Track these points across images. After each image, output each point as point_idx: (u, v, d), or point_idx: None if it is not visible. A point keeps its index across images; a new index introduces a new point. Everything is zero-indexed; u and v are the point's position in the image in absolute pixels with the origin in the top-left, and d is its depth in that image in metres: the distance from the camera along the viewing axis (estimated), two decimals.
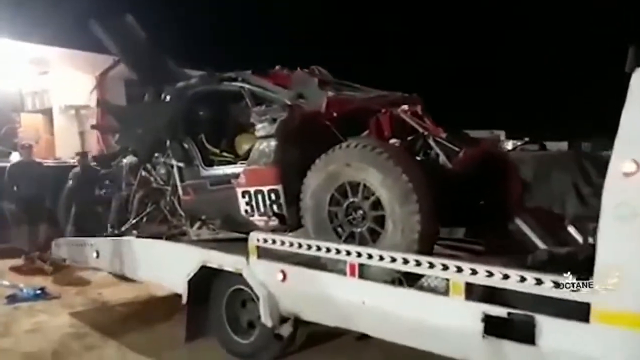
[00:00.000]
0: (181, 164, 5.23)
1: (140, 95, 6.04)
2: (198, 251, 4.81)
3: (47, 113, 12.80)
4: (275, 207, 4.32)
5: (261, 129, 4.34)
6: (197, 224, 5.31)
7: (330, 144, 4.19)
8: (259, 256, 4.28)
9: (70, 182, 8.38)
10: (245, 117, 5.28)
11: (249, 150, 4.84)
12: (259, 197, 4.36)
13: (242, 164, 4.69)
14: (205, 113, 5.35)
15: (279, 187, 4.26)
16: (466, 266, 3.18)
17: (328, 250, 3.79)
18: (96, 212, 8.44)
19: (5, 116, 12.26)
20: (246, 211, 4.48)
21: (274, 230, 4.39)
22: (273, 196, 4.30)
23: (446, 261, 3.26)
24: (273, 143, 4.25)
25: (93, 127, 7.66)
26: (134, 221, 6.13)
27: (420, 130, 4.44)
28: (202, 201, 4.92)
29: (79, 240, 6.44)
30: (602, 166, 3.96)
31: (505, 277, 3.03)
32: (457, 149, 4.28)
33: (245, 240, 4.82)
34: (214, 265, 4.61)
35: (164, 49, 6.02)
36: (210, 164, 5.02)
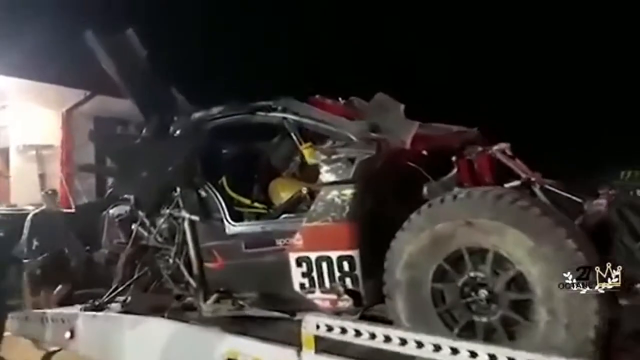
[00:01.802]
0: (195, 217, 3.97)
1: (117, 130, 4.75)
2: (220, 337, 3.51)
3: (3, 153, 11.26)
4: (348, 280, 3.09)
5: (331, 172, 3.15)
6: (214, 297, 4.01)
7: (416, 193, 3.09)
8: (318, 350, 3.02)
9: None
10: (280, 158, 4.15)
11: (291, 201, 3.66)
12: (324, 266, 3.12)
13: (287, 218, 3.50)
14: (228, 152, 4.15)
15: (354, 254, 3.05)
16: None
17: (437, 348, 2.58)
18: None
19: None
20: (302, 285, 3.22)
21: (338, 313, 3.16)
22: (346, 266, 3.07)
23: None
24: (349, 191, 3.07)
25: (81, 168, 5.77)
26: (120, 289, 4.79)
27: (522, 175, 3.38)
28: (235, 269, 3.62)
29: (45, 313, 4.99)
30: None
31: None
32: (578, 200, 3.23)
33: (286, 320, 3.60)
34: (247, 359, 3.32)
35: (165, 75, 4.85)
36: (237, 218, 3.78)
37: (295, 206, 3.64)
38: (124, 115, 11.99)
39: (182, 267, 4.28)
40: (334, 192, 3.11)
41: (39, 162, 11.09)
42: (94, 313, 4.52)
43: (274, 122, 3.74)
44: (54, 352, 5.29)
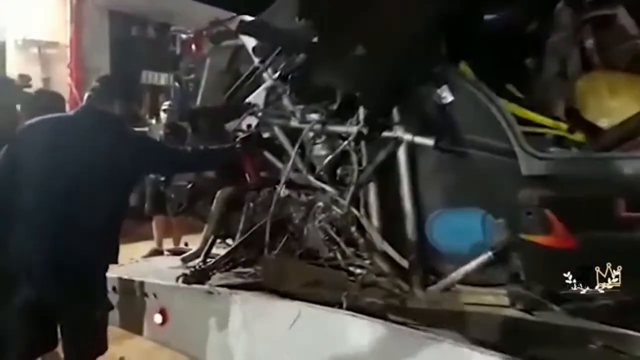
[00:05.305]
0: (426, 141, 2.18)
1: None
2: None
3: None
4: None
5: None
6: (445, 281, 2.28)
7: None
8: None
9: None
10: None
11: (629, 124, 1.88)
12: None
13: None
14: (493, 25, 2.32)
15: None
16: None
17: None
18: None
19: None
20: None
21: None
22: None
23: None
24: None
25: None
26: (231, 247, 3.06)
27: None
28: (599, 247, 1.75)
29: (119, 279, 3.19)
30: None
31: None
32: None
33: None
34: None
35: None
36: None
37: None
38: (143, 12, 10.01)
39: (366, 224, 2.55)
40: None
41: (43, 63, 8.92)
42: (204, 288, 2.77)
43: None
44: None
